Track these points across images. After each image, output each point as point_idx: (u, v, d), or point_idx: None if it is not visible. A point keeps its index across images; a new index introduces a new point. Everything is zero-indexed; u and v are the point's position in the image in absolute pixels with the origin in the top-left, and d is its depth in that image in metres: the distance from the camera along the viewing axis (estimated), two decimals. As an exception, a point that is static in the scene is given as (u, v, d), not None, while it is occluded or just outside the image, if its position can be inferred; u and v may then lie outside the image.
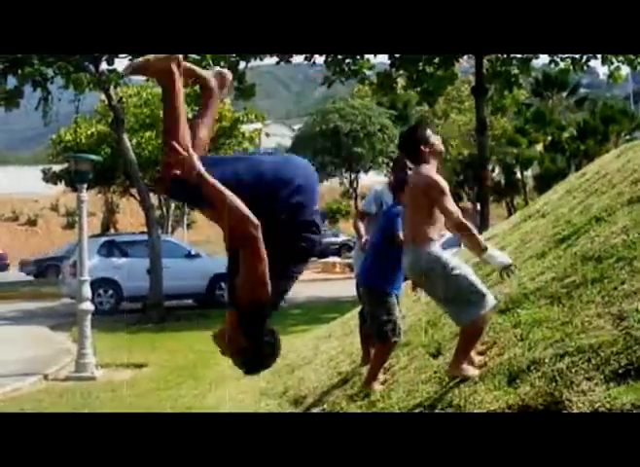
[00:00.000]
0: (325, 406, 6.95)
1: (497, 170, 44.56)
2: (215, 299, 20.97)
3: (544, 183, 35.00)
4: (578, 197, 8.57)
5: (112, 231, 41.26)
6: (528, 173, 44.31)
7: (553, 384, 4.48)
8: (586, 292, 5.52)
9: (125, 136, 19.67)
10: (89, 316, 12.08)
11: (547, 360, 4.81)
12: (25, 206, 60.21)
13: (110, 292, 20.37)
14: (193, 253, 21.94)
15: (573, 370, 4.50)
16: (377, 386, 6.53)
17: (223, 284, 21.09)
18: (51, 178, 36.11)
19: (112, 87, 19.22)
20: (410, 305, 8.69)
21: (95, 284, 16.48)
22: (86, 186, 12.57)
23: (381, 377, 6.74)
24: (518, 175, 43.71)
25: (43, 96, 19.23)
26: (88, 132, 30.78)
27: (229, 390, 9.32)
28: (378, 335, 6.70)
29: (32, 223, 60.58)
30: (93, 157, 13.94)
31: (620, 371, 4.24)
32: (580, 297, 5.52)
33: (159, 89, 30.36)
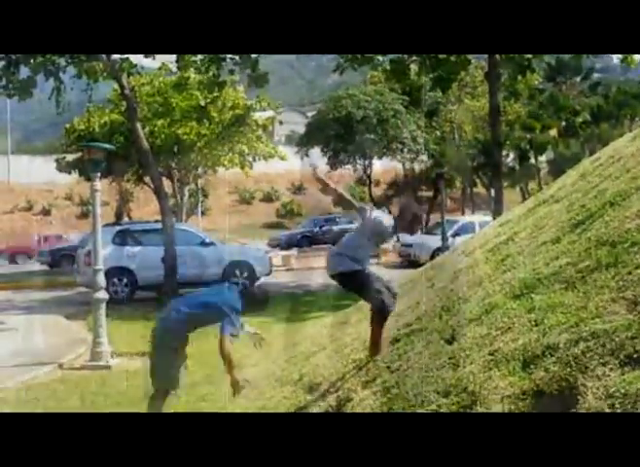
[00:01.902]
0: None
1: (511, 155, 44.37)
2: (230, 287, 20.97)
3: (558, 168, 34.88)
4: (592, 182, 8.50)
5: (126, 219, 41.26)
6: (542, 158, 44.15)
7: (568, 369, 4.48)
8: (600, 277, 5.50)
9: (139, 125, 19.69)
10: (104, 305, 12.13)
11: (561, 345, 4.79)
12: (40, 196, 60.42)
13: (125, 280, 20.39)
14: (207, 241, 21.89)
15: (588, 355, 4.49)
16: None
17: (237, 272, 21.12)
18: (64, 168, 36.16)
19: (124, 75, 19.24)
20: (424, 290, 8.68)
21: (110, 273, 16.54)
22: (99, 175, 12.62)
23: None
24: (532, 160, 43.55)
25: (55, 86, 19.25)
26: (102, 121, 30.81)
27: (244, 377, 9.33)
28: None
29: (46, 212, 60.79)
30: (107, 146, 13.97)
31: (635, 355, 4.22)
32: (594, 282, 5.49)
33: (171, 78, 30.36)
